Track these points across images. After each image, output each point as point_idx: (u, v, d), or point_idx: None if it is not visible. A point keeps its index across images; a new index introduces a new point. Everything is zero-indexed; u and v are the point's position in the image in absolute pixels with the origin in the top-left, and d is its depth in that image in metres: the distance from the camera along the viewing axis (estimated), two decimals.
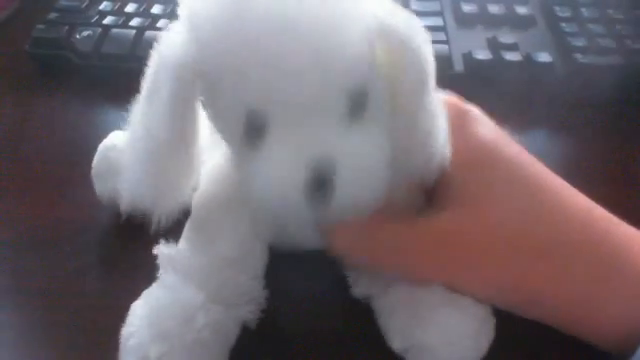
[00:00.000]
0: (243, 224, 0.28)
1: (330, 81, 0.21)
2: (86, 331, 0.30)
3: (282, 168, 0.22)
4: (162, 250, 0.27)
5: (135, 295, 0.27)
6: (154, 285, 0.27)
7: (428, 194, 0.28)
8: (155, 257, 0.27)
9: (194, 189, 0.29)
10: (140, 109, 0.25)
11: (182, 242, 0.28)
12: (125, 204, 0.26)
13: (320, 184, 0.21)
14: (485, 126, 0.28)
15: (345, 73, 0.21)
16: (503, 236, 0.26)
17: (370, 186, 0.23)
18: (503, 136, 0.29)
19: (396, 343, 0.27)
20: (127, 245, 0.34)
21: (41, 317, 0.31)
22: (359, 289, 0.29)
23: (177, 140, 0.24)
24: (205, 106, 0.25)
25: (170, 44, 0.23)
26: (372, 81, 0.23)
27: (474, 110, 0.29)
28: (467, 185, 0.27)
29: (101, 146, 0.34)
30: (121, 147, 0.32)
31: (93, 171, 0.33)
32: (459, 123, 0.27)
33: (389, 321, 0.27)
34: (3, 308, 0.32)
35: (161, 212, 0.25)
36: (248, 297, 0.27)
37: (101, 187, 0.33)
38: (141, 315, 0.25)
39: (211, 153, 0.29)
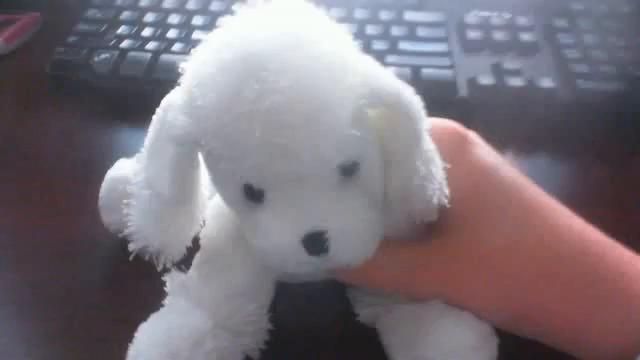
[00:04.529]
0: (251, 257, 0.28)
1: (321, 161, 0.22)
2: (100, 341, 0.31)
3: (280, 237, 0.24)
4: (174, 277, 0.28)
5: (145, 310, 0.28)
6: (163, 309, 0.28)
7: None
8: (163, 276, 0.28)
9: (202, 223, 0.30)
10: (143, 160, 0.26)
11: (192, 271, 0.29)
12: (134, 246, 0.27)
13: (315, 250, 0.23)
14: (483, 150, 0.29)
15: (336, 152, 0.22)
16: (501, 258, 0.27)
17: (361, 246, 0.25)
18: (500, 160, 0.30)
19: (398, 359, 0.28)
20: (139, 262, 0.35)
21: (57, 327, 0.32)
22: (364, 310, 0.30)
23: (179, 198, 0.26)
24: (206, 168, 0.26)
25: (172, 110, 0.24)
26: (364, 150, 0.24)
27: (472, 135, 0.30)
28: (467, 208, 0.28)
29: (107, 177, 0.34)
30: (127, 177, 0.30)
31: (100, 202, 0.34)
32: (458, 148, 0.28)
33: (391, 338, 0.28)
34: (21, 318, 0.33)
35: (168, 255, 0.27)
36: (255, 327, 0.28)
37: (108, 218, 0.34)
38: (150, 335, 0.26)
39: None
